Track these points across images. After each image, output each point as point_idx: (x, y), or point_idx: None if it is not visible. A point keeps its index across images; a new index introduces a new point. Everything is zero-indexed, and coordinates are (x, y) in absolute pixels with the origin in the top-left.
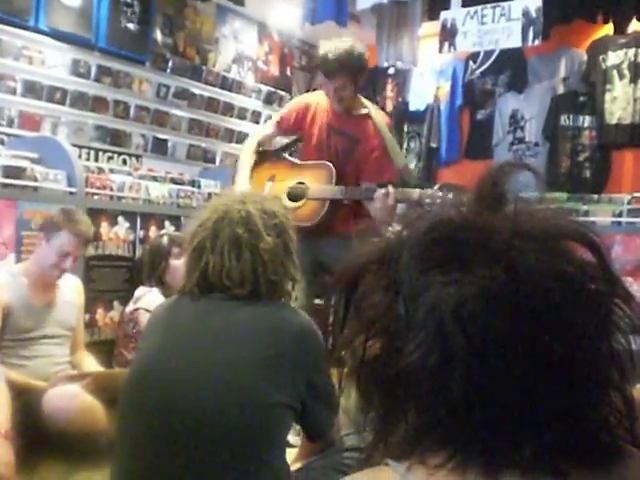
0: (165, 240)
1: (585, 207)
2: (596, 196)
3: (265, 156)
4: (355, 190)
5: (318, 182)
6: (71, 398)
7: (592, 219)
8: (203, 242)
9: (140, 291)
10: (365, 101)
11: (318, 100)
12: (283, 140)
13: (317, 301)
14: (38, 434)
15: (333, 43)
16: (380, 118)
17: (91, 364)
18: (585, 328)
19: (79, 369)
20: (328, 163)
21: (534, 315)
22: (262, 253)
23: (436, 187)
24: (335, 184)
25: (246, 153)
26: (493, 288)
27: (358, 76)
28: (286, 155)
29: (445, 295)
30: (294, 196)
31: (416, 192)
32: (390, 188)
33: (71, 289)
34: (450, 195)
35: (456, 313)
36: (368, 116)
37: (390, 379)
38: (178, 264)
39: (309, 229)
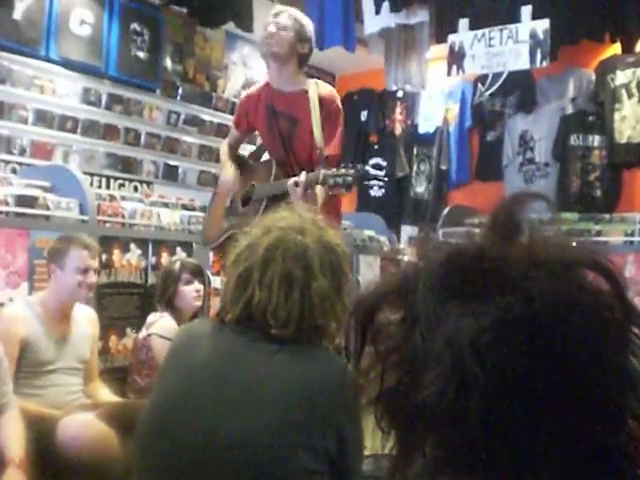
0: (177, 265)
1: (597, 227)
2: (608, 216)
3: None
4: (271, 187)
5: (263, 181)
6: (85, 426)
7: (604, 239)
8: (250, 270)
9: (152, 317)
10: (307, 78)
11: (259, 90)
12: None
13: None
14: (52, 463)
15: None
16: (314, 92)
17: (106, 395)
18: (602, 357)
19: (94, 399)
20: (270, 159)
21: (551, 345)
22: (313, 295)
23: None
24: (275, 177)
25: (222, 153)
26: (509, 319)
27: (298, 45)
28: (250, 160)
29: (462, 327)
30: (245, 200)
31: (320, 173)
32: (300, 177)
33: (86, 320)
34: (349, 171)
35: (473, 345)
36: (305, 92)
37: (408, 411)
38: (187, 290)
39: None
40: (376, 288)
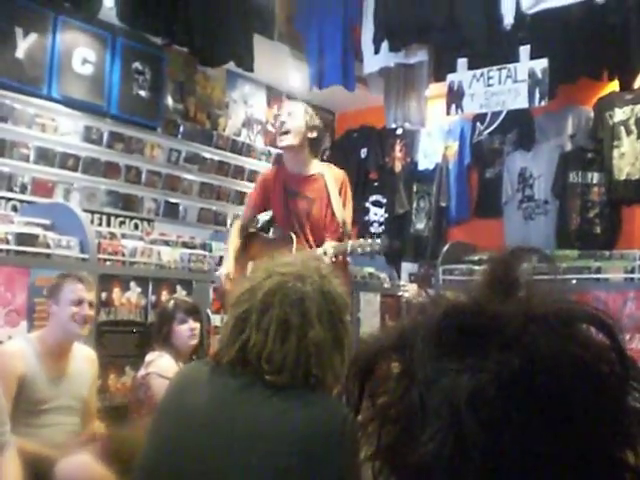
0: (171, 304)
1: (597, 264)
2: (607, 252)
3: (249, 238)
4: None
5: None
6: (82, 468)
7: (604, 276)
8: (249, 313)
9: (151, 356)
10: (319, 162)
11: (274, 172)
12: (264, 218)
13: None
14: None
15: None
16: (331, 175)
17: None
18: (600, 413)
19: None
20: (290, 235)
21: (549, 400)
22: (309, 343)
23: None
24: (297, 249)
25: (231, 238)
26: (507, 374)
27: (308, 132)
28: (263, 233)
29: (459, 383)
30: None
31: (347, 245)
32: (327, 248)
33: (84, 359)
34: (371, 241)
35: (471, 401)
36: (320, 175)
37: (406, 467)
38: (182, 329)
39: None
40: (375, 342)
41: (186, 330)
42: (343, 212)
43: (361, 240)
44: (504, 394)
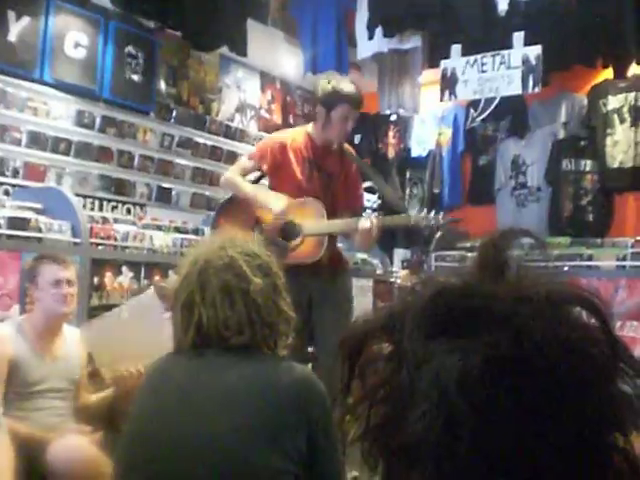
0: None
1: (589, 251)
2: (599, 240)
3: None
4: (344, 224)
5: (309, 219)
6: (75, 450)
7: (596, 263)
8: (191, 296)
9: None
10: None
11: (293, 137)
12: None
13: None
14: None
15: (331, 77)
16: (350, 151)
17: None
18: (589, 393)
19: (87, 405)
20: (314, 199)
21: (538, 382)
22: (254, 296)
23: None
24: (328, 217)
25: (240, 180)
26: (497, 356)
27: (357, 108)
28: None
29: (449, 364)
30: (288, 235)
31: (410, 217)
32: (373, 218)
33: (75, 342)
34: (425, 216)
35: (460, 382)
36: (342, 150)
37: (394, 447)
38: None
39: (297, 266)
40: (364, 323)
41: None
42: (391, 191)
43: (423, 213)
44: (493, 375)
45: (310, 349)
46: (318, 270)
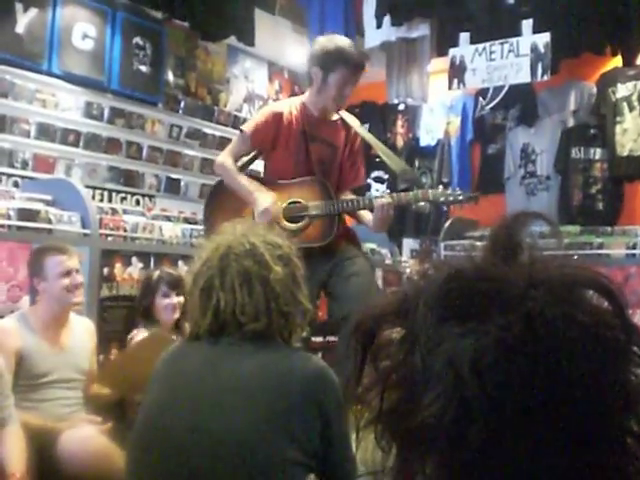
0: (155, 276)
1: (599, 240)
2: (609, 228)
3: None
4: (356, 203)
5: (314, 199)
6: (86, 441)
7: (606, 252)
8: (211, 280)
9: (132, 334)
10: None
11: (289, 108)
12: (243, 159)
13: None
14: (53, 477)
15: (332, 37)
16: (354, 122)
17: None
18: (602, 377)
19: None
20: (318, 178)
21: (551, 365)
22: (273, 284)
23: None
24: (327, 197)
25: (232, 168)
26: (510, 338)
27: (358, 72)
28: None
29: (462, 347)
30: (293, 217)
31: (429, 193)
32: (388, 197)
33: (83, 331)
34: (443, 192)
35: (473, 365)
36: (342, 120)
37: (408, 431)
38: (163, 303)
39: (310, 249)
40: (377, 307)
41: (167, 304)
42: (399, 160)
43: (441, 189)
44: (506, 358)
45: (322, 339)
46: (330, 252)
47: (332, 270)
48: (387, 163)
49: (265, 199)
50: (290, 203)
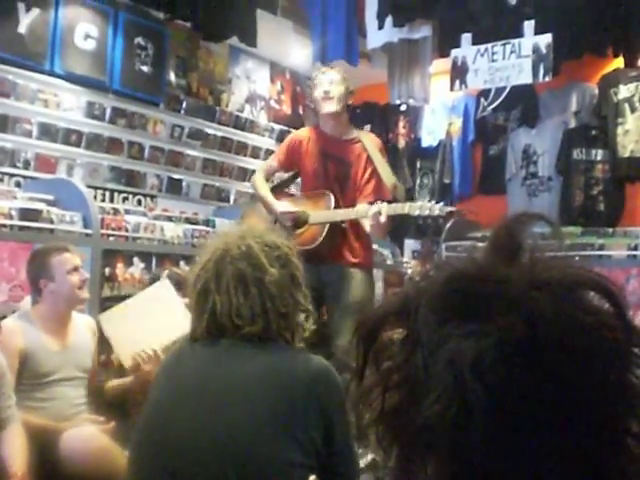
0: (162, 277)
1: (600, 241)
2: (611, 230)
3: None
4: (349, 212)
5: (318, 209)
6: (87, 440)
7: (607, 253)
8: (207, 283)
9: None
10: (354, 127)
11: (309, 134)
12: (283, 176)
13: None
14: (55, 477)
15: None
16: (369, 141)
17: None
18: (603, 377)
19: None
20: (326, 191)
21: (552, 366)
22: (269, 286)
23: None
24: (335, 207)
25: (261, 184)
26: (511, 339)
27: (348, 98)
28: (286, 189)
29: (463, 347)
30: (298, 224)
31: (405, 206)
32: (381, 205)
33: (86, 329)
34: (436, 205)
35: (474, 365)
36: (357, 140)
37: (409, 431)
38: None
39: (309, 256)
40: (379, 308)
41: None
42: (391, 175)
43: (421, 202)
44: (507, 359)
45: None
46: (320, 260)
47: (322, 279)
48: (380, 175)
49: (280, 205)
50: (302, 211)
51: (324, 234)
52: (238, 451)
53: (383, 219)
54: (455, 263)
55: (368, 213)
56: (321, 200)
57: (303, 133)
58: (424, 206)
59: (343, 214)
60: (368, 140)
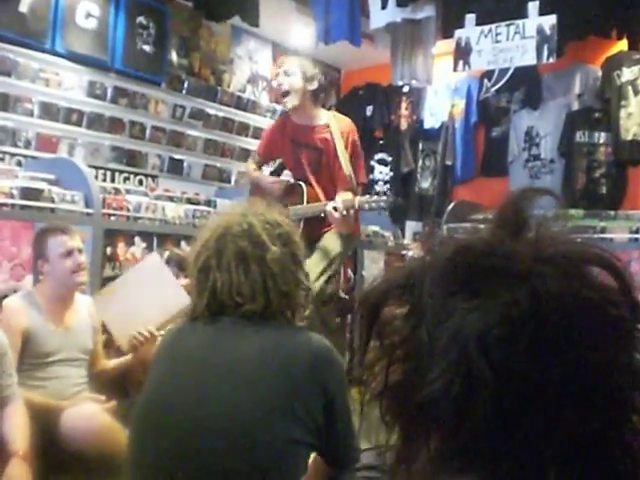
0: (164, 258)
1: (602, 224)
2: (613, 213)
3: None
4: (307, 209)
5: (294, 203)
6: (89, 418)
7: (609, 236)
8: (207, 261)
9: None
10: (325, 112)
11: (281, 123)
12: (270, 168)
13: None
14: (56, 455)
15: None
16: (336, 126)
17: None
18: (607, 353)
19: (105, 370)
20: (299, 183)
21: (556, 340)
22: (270, 264)
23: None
24: (308, 200)
25: (251, 169)
26: (516, 314)
27: (307, 85)
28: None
29: (468, 321)
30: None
31: (356, 200)
32: (337, 202)
33: (88, 310)
34: (382, 198)
35: (479, 339)
36: (327, 125)
37: (413, 405)
38: None
39: None
40: (382, 282)
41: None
42: (349, 165)
43: (367, 196)
44: (512, 333)
45: None
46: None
47: None
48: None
49: (267, 177)
50: (285, 205)
51: (300, 229)
52: (240, 429)
53: (338, 215)
54: (460, 238)
55: (326, 210)
56: (295, 193)
57: (275, 123)
58: (370, 200)
59: (302, 211)
60: (335, 125)
